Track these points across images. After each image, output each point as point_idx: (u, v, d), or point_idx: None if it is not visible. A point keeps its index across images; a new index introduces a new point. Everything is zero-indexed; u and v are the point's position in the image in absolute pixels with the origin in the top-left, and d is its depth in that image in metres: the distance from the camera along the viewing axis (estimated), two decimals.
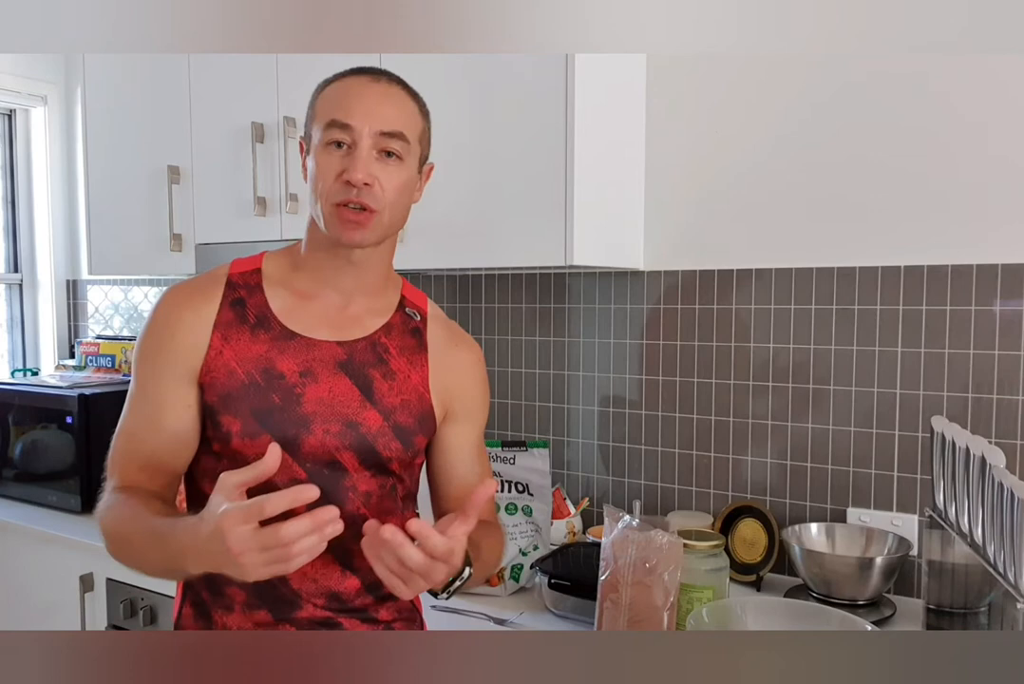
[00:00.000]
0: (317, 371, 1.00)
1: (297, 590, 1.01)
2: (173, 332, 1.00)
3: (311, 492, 0.79)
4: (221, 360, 0.99)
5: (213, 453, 1.01)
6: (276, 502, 0.78)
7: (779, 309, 1.66)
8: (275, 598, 1.01)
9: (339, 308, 1.04)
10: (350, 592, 1.03)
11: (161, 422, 1.00)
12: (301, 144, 1.05)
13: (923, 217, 1.52)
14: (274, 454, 0.82)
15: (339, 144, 0.96)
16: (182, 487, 1.07)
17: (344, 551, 1.00)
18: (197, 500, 1.04)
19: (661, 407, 1.80)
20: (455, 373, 1.09)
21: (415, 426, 1.04)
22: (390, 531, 0.81)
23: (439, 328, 1.11)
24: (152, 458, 1.00)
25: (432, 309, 1.12)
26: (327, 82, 1.02)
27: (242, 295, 1.02)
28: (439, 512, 1.12)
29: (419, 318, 1.09)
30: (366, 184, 0.95)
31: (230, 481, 0.81)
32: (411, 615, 1.11)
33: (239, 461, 0.98)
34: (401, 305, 1.09)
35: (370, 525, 0.86)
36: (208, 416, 0.99)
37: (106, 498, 0.99)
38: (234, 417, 0.98)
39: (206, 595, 1.03)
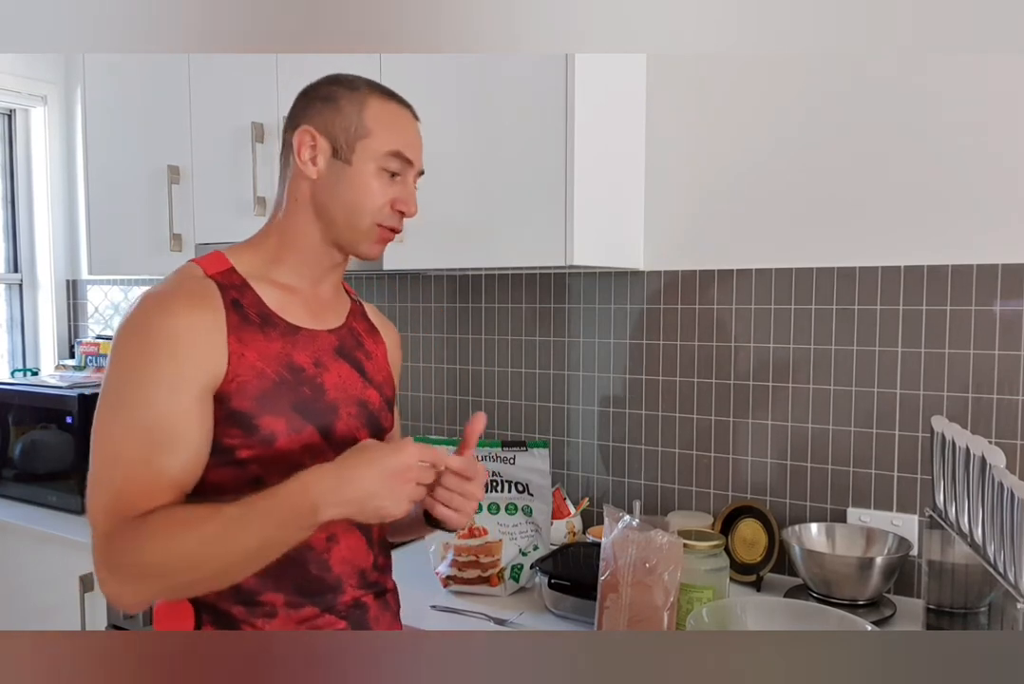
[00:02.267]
0: (324, 360, 1.05)
1: (339, 575, 1.03)
2: (191, 341, 0.93)
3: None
4: (246, 363, 0.96)
5: (235, 463, 0.96)
6: (454, 461, 0.94)
7: (779, 309, 1.66)
8: (321, 589, 1.01)
9: (316, 299, 1.09)
10: (370, 567, 1.08)
11: (182, 441, 0.92)
12: (310, 134, 1.01)
13: (923, 217, 1.52)
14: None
15: (393, 174, 1.04)
16: None
17: (367, 528, 1.06)
18: None
19: (661, 407, 1.80)
20: (392, 350, 1.22)
21: (393, 397, 1.18)
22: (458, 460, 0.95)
23: (372, 312, 1.22)
24: (175, 481, 0.92)
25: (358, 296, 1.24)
26: (369, 92, 1.03)
27: (234, 295, 0.99)
28: None
29: (360, 304, 1.20)
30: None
31: (416, 447, 0.90)
32: (395, 585, 1.17)
33: (278, 462, 0.96)
34: (347, 293, 1.18)
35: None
36: (236, 423, 0.95)
37: (121, 532, 0.92)
38: (276, 416, 0.96)
39: (237, 610, 0.98)
